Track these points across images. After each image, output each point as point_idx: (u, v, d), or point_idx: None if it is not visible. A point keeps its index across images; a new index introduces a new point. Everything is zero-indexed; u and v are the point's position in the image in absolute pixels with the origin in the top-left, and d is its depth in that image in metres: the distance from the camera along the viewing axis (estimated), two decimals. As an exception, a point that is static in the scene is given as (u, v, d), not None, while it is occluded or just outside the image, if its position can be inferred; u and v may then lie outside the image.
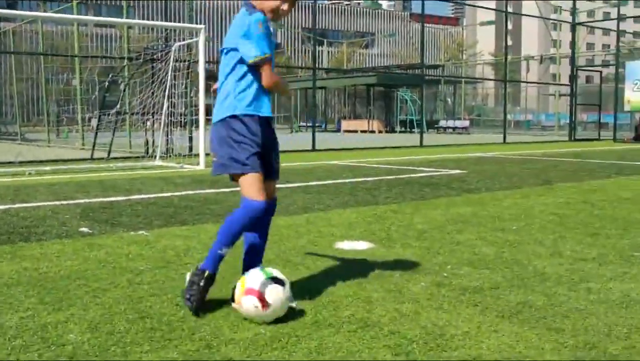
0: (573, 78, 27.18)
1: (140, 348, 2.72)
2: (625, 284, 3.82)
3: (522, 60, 53.83)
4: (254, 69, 3.28)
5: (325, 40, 74.29)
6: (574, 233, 5.47)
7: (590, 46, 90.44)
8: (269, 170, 3.40)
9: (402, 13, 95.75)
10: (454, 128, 42.24)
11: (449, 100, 51.62)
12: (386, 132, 41.41)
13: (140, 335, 2.87)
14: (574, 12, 27.47)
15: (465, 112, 49.88)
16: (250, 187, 3.23)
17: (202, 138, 11.84)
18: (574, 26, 27.26)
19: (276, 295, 3.11)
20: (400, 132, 41.50)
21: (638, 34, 54.36)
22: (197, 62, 11.88)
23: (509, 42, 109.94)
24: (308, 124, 45.76)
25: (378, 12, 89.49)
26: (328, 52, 73.29)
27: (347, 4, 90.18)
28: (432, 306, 3.35)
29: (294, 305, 3.33)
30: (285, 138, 25.04)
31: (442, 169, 11.93)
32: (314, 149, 18.25)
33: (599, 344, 2.80)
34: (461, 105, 50.36)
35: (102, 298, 3.47)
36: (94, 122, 19.97)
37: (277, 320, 3.07)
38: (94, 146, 14.32)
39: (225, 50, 3.35)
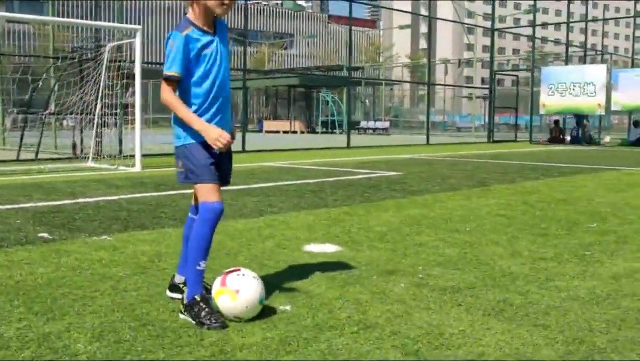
0: (492, 81, 28.21)
1: (155, 355, 2.74)
2: (587, 282, 4.09)
3: (441, 63, 55.36)
4: (186, 89, 3.31)
5: (246, 41, 74.03)
6: (524, 233, 5.77)
7: (501, 50, 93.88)
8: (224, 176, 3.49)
9: (321, 14, 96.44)
10: (374, 130, 43.04)
11: (366, 101, 52.49)
12: (307, 132, 41.72)
13: (149, 343, 2.88)
14: (492, 17, 28.50)
15: (385, 113, 50.83)
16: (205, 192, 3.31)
17: (138, 139, 11.65)
18: (492, 31, 28.31)
19: (241, 281, 3.20)
20: (322, 132, 41.91)
21: (545, 39, 56.94)
22: (132, 62, 11.69)
23: (424, 45, 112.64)
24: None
25: (297, 13, 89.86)
26: (249, 52, 73.02)
27: (265, 4, 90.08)
28: (420, 307, 3.50)
29: (288, 308, 3.42)
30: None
31: (377, 171, 12.19)
32: (244, 150, 18.23)
33: (586, 339, 3.02)
34: (381, 107, 51.27)
35: (92, 305, 3.44)
36: (8, 122, 19.23)
37: (280, 322, 3.15)
38: (20, 147, 13.83)
39: None
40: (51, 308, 3.39)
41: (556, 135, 26.61)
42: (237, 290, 3.15)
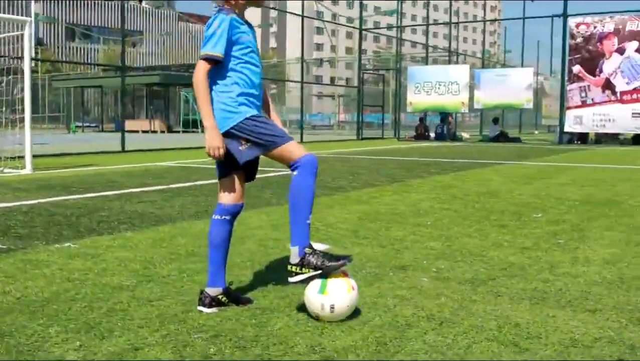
0: (360, 80, 28.95)
1: (261, 367, 2.54)
2: (591, 267, 4.28)
3: (296, 62, 56.04)
4: (233, 71, 3.27)
5: (101, 38, 70.67)
6: (483, 225, 5.95)
7: (348, 50, 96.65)
8: (251, 172, 3.60)
9: (170, 11, 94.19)
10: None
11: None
12: (167, 131, 40.66)
13: (241, 356, 2.66)
14: (360, 19, 29.27)
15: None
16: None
17: (28, 139, 10.77)
18: (360, 32, 29.07)
19: (355, 286, 3.27)
20: (182, 131, 41.01)
21: (391, 39, 59.31)
22: (19, 57, 10.79)
23: (274, 44, 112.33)
24: (84, 124, 43.77)
25: (145, 10, 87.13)
26: (101, 49, 69.84)
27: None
28: (467, 300, 3.51)
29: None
30: (67, 139, 23.52)
31: (280, 169, 12.06)
32: (123, 150, 17.43)
33: (647, 320, 3.16)
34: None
35: (133, 319, 3.12)
36: None
37: (353, 324, 3.04)
38: None
39: None
40: (88, 324, 3.05)
41: (421, 132, 27.79)
42: (353, 287, 3.23)
